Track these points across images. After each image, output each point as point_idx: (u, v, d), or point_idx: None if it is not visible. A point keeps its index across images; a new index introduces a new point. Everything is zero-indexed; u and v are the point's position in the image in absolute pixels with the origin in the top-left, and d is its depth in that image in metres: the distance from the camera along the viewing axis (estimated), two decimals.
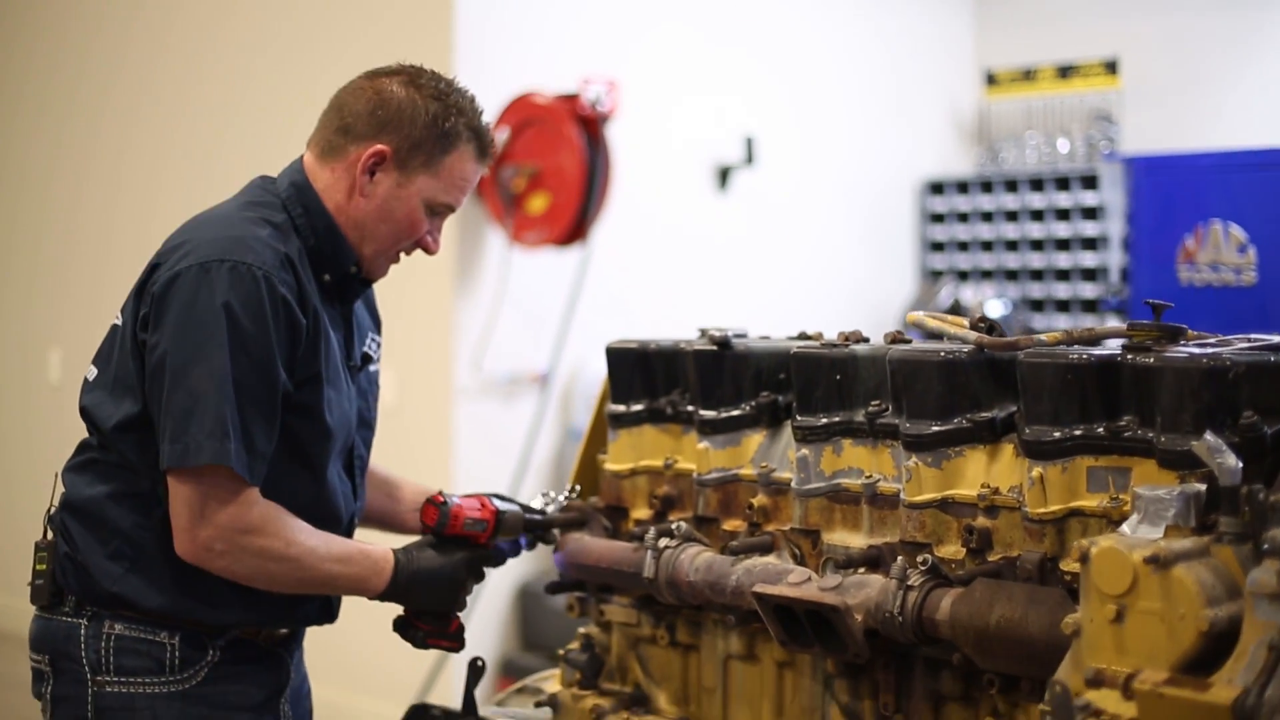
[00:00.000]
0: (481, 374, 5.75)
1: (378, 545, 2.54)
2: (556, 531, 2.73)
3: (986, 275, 7.30)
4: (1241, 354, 2.00)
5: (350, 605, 2.64)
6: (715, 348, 2.52)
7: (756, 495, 2.48)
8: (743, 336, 2.59)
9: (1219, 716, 1.69)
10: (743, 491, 2.51)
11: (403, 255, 2.60)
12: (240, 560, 2.38)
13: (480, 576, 2.63)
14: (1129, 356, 2.08)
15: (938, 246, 7.50)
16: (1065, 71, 7.24)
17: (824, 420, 2.38)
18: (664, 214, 6.49)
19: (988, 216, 7.33)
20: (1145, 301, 2.20)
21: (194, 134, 6.65)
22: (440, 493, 2.63)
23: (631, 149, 6.00)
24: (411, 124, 2.48)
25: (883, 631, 2.19)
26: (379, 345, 2.71)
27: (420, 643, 2.61)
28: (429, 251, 2.60)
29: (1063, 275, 7.07)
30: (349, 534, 2.64)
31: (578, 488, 2.76)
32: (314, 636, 2.68)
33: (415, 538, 2.66)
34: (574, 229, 5.70)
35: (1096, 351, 2.13)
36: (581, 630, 2.76)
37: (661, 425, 2.63)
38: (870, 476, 2.33)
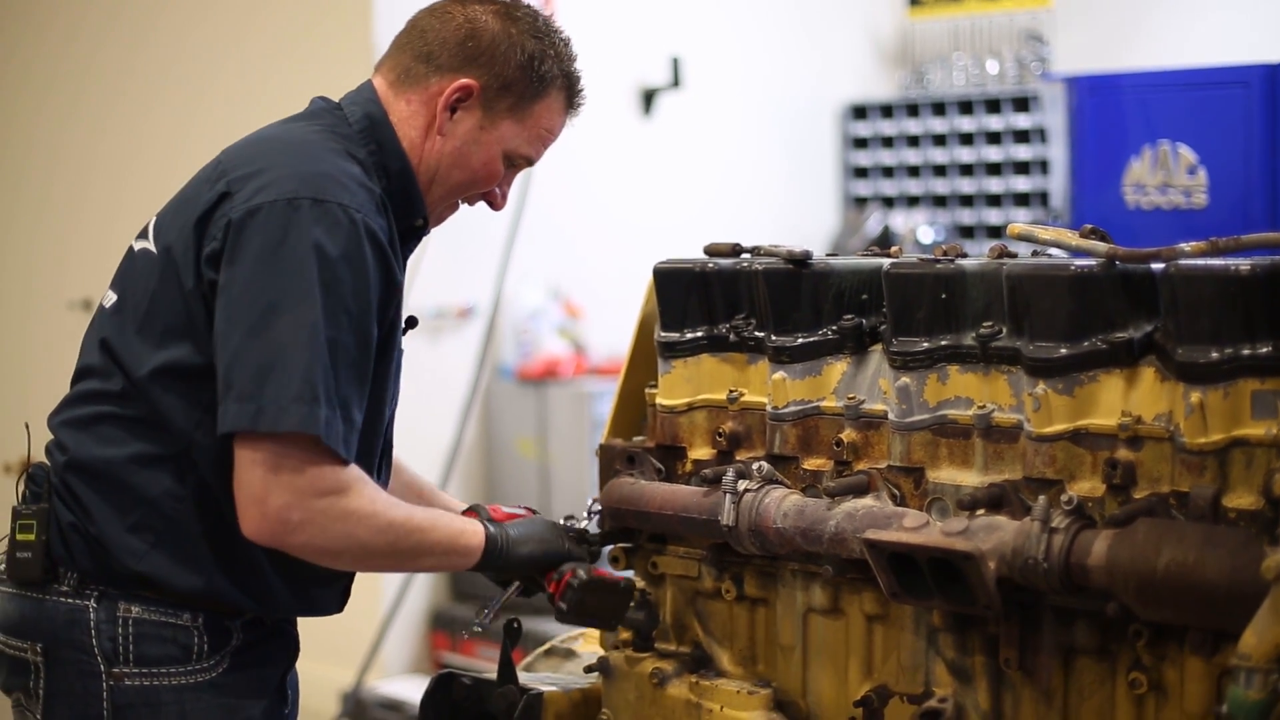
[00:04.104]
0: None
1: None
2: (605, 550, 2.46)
3: (913, 201, 7.09)
4: None
5: None
6: (791, 265, 2.24)
7: (844, 430, 2.21)
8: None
9: None
10: (825, 426, 2.24)
11: (463, 205, 2.31)
12: (325, 529, 2.01)
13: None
14: None
15: (861, 172, 7.27)
16: None
17: (926, 345, 2.11)
18: (590, 137, 6.19)
19: (914, 141, 7.11)
20: None
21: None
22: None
23: None
24: (505, 62, 2.21)
25: (1020, 580, 1.94)
26: None
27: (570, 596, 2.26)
28: (494, 207, 2.32)
29: (994, 200, 6.88)
30: None
31: (596, 506, 2.42)
32: None
33: None
34: None
35: (1260, 261, 1.89)
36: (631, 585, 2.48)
37: (723, 354, 2.34)
38: (983, 406, 2.08)
